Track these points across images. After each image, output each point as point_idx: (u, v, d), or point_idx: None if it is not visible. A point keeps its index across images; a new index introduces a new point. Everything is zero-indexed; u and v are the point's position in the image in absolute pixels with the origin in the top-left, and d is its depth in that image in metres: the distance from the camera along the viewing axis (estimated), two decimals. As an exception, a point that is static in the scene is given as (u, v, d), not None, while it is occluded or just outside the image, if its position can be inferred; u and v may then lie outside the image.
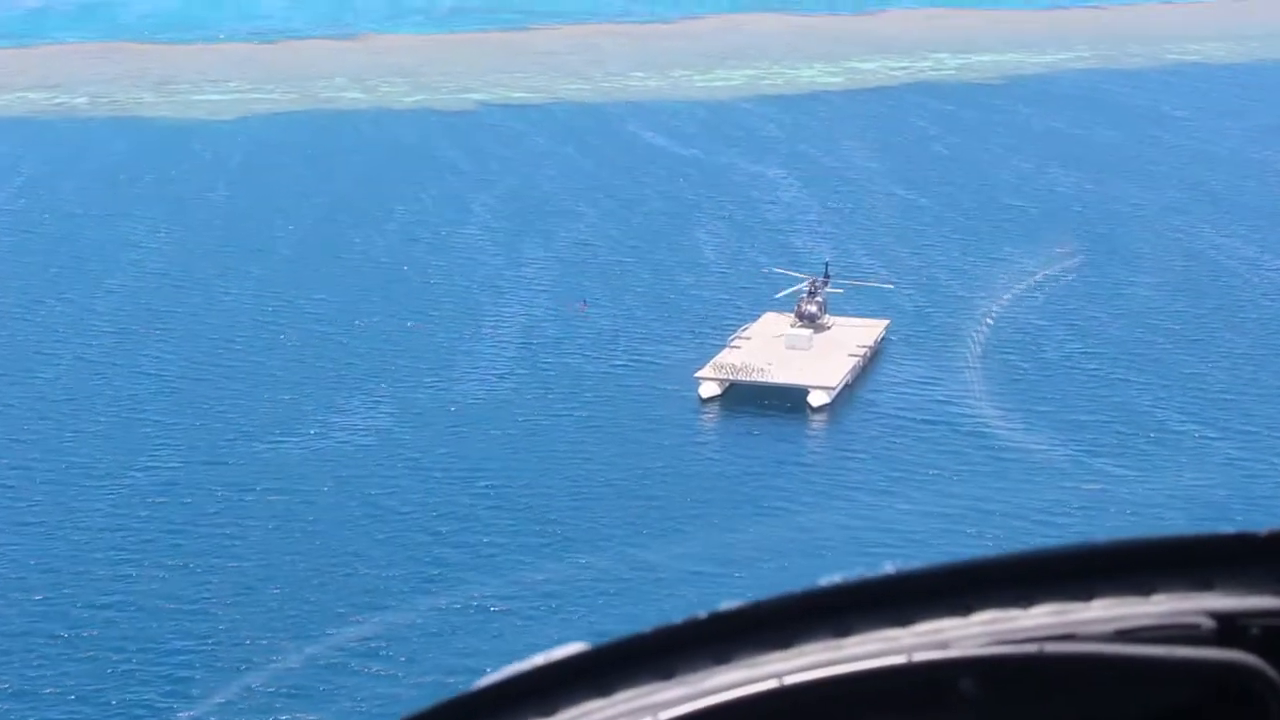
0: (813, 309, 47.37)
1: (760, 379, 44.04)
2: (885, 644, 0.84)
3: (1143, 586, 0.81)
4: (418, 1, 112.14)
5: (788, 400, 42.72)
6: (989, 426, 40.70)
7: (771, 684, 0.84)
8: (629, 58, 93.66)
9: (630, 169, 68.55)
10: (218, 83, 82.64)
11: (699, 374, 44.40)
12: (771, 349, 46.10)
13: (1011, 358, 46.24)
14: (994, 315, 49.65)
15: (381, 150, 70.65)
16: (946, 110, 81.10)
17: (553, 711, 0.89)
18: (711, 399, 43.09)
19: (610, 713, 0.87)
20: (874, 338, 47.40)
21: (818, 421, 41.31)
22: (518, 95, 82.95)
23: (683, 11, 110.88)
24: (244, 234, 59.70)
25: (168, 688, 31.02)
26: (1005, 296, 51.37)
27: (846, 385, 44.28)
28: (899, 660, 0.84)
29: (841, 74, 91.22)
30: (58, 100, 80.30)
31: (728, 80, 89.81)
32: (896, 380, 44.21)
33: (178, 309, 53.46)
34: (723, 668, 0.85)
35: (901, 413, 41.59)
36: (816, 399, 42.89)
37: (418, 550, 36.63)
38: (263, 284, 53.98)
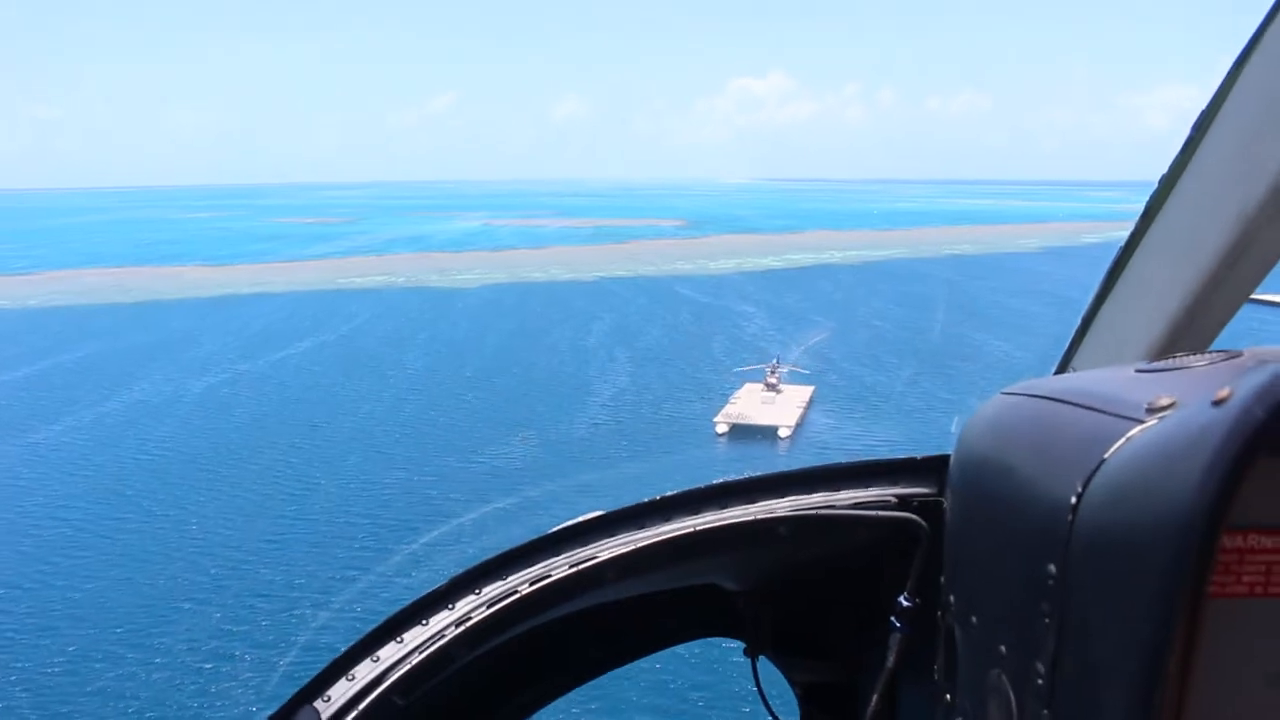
0: (774, 380, 59.47)
1: (750, 421, 53.82)
2: (744, 511, 1.48)
3: (867, 483, 1.46)
4: (575, 230, 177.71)
5: (766, 433, 52.43)
6: (867, 442, 50.81)
7: (689, 529, 1.47)
8: (674, 255, 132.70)
9: (674, 308, 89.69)
10: (473, 270, 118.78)
11: (715, 419, 54.29)
12: (754, 403, 57.06)
13: (879, 405, 58.10)
14: (868, 382, 62.69)
15: (545, 301, 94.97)
16: (838, 278, 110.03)
17: (564, 552, 1.48)
18: (723, 434, 53.09)
19: (601, 549, 1.48)
20: (808, 396, 58.25)
21: (783, 445, 52.03)
22: (617, 273, 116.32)
23: (698, 234, 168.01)
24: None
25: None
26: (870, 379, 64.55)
27: (798, 423, 54.26)
28: (751, 518, 1.47)
29: (783, 261, 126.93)
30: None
31: (724, 265, 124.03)
32: (823, 420, 55.66)
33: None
34: (664, 525, 1.49)
35: (826, 437, 52.40)
36: (783, 432, 52.74)
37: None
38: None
